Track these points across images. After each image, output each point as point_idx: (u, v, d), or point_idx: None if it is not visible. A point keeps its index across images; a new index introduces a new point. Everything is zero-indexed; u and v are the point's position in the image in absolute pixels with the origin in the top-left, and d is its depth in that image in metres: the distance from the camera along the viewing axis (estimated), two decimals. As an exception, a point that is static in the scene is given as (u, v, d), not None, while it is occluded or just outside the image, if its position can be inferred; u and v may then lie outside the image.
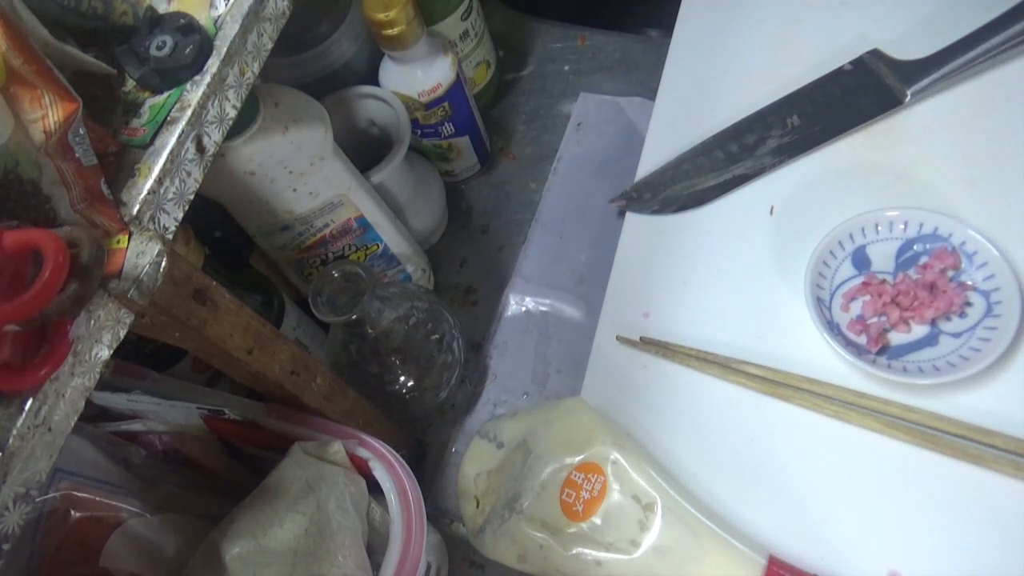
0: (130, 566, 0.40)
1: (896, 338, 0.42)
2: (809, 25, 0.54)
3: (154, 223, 0.30)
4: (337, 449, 0.42)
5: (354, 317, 0.47)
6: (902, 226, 0.43)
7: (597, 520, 0.40)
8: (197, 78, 0.32)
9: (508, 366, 0.60)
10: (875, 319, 0.42)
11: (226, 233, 0.54)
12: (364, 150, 0.57)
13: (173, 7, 0.34)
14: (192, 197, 0.32)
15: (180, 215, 0.32)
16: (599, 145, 0.67)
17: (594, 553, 0.39)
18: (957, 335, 0.40)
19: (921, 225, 0.43)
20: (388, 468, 0.42)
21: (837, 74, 0.50)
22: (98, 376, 0.28)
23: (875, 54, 0.49)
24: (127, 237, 0.29)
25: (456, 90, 0.59)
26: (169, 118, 0.31)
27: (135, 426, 0.45)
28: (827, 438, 0.41)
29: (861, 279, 0.43)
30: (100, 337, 0.28)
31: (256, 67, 0.35)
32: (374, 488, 0.42)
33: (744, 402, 0.43)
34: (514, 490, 0.43)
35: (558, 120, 0.70)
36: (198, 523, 0.43)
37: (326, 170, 0.48)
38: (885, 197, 0.45)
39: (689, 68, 0.56)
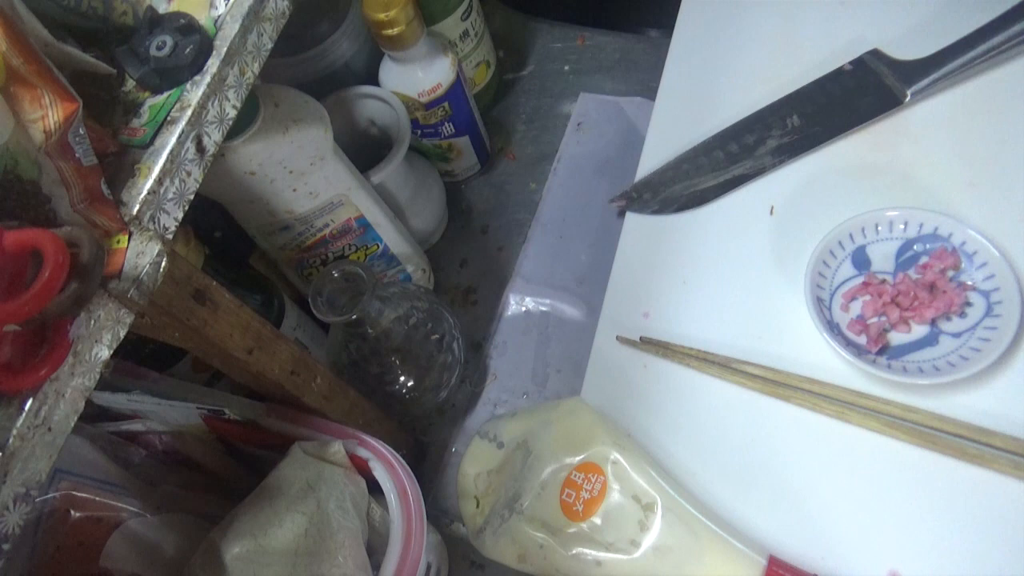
0: (130, 566, 0.40)
1: (896, 338, 0.42)
2: (809, 25, 0.54)
3: (154, 223, 0.30)
4: (337, 449, 0.42)
5: (354, 317, 0.47)
6: (902, 226, 0.43)
7: (597, 520, 0.40)
8: (197, 78, 0.32)
9: (508, 366, 0.60)
10: (875, 319, 0.42)
11: (226, 233, 0.54)
12: (364, 150, 0.57)
13: (173, 7, 0.34)
14: (192, 197, 0.32)
15: (180, 215, 0.32)
16: (599, 145, 0.67)
17: (594, 553, 0.39)
18: (957, 335, 0.40)
19: (921, 225, 0.43)
20: (388, 468, 0.42)
21: (837, 74, 0.50)
22: (98, 376, 0.28)
23: (875, 54, 0.49)
24: (127, 237, 0.29)
25: (456, 90, 0.59)
26: (169, 118, 0.31)
27: (135, 426, 0.45)
28: (827, 438, 0.41)
29: (861, 279, 0.43)
30: (100, 337, 0.28)
31: (256, 67, 0.35)
32: (374, 488, 0.43)
33: (744, 402, 0.43)
34: (514, 490, 0.43)
35: (558, 120, 0.70)
36: (198, 523, 0.43)
37: (326, 170, 0.48)
38: (885, 197, 0.45)
39: (689, 68, 0.56)
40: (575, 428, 0.43)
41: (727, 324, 0.46)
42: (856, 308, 0.43)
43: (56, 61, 0.27)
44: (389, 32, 0.53)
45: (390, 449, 0.44)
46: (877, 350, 0.41)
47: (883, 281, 0.43)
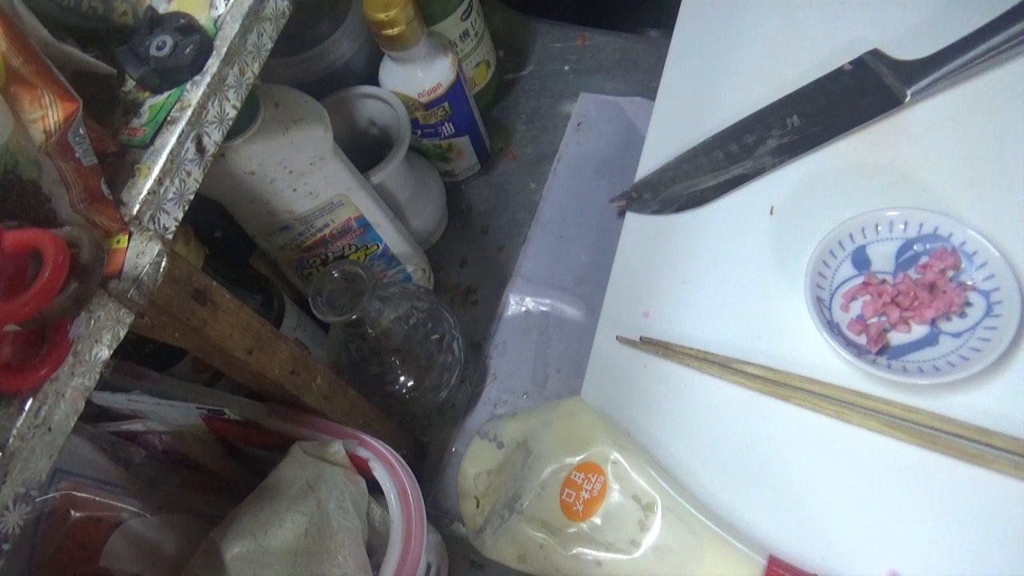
0: (130, 566, 0.40)
1: (896, 338, 0.42)
2: (809, 25, 0.54)
3: (154, 223, 0.30)
4: (337, 449, 0.42)
5: (354, 317, 0.47)
6: (902, 226, 0.43)
7: (597, 520, 0.40)
8: (197, 78, 0.32)
9: (508, 366, 0.60)
10: (875, 319, 0.42)
11: (226, 233, 0.54)
12: (364, 150, 0.57)
13: (173, 7, 0.34)
14: (192, 197, 0.32)
15: (180, 215, 0.32)
16: (599, 145, 0.67)
17: (594, 553, 0.39)
18: (957, 335, 0.40)
19: (921, 225, 0.43)
20: (388, 468, 0.42)
21: (837, 74, 0.50)
22: (98, 376, 0.28)
23: (875, 54, 0.49)
24: (127, 237, 0.29)
25: (456, 90, 0.59)
26: (169, 118, 0.31)
27: (135, 426, 0.45)
28: (827, 438, 0.41)
29: (861, 279, 0.43)
30: (100, 337, 0.28)
31: (256, 67, 0.35)
32: (374, 488, 0.42)
33: (744, 402, 0.43)
34: (514, 490, 0.43)
35: (558, 120, 0.70)
36: (198, 523, 0.43)
37: (326, 170, 0.48)
38: (885, 197, 0.45)
39: (689, 68, 0.56)
40: (575, 428, 0.43)
41: (727, 324, 0.46)
42: (856, 308, 0.43)
43: (56, 61, 0.27)
44: (389, 32, 0.53)
45: (390, 449, 0.44)
46: (877, 350, 0.41)
47: (883, 281, 0.43)
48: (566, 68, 0.73)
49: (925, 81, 0.47)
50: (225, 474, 0.48)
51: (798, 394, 0.42)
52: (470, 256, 0.66)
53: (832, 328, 0.42)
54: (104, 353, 0.28)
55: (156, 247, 0.29)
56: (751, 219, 0.48)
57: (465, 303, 0.64)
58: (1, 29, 0.24)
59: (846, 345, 0.41)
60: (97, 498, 0.40)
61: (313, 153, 0.47)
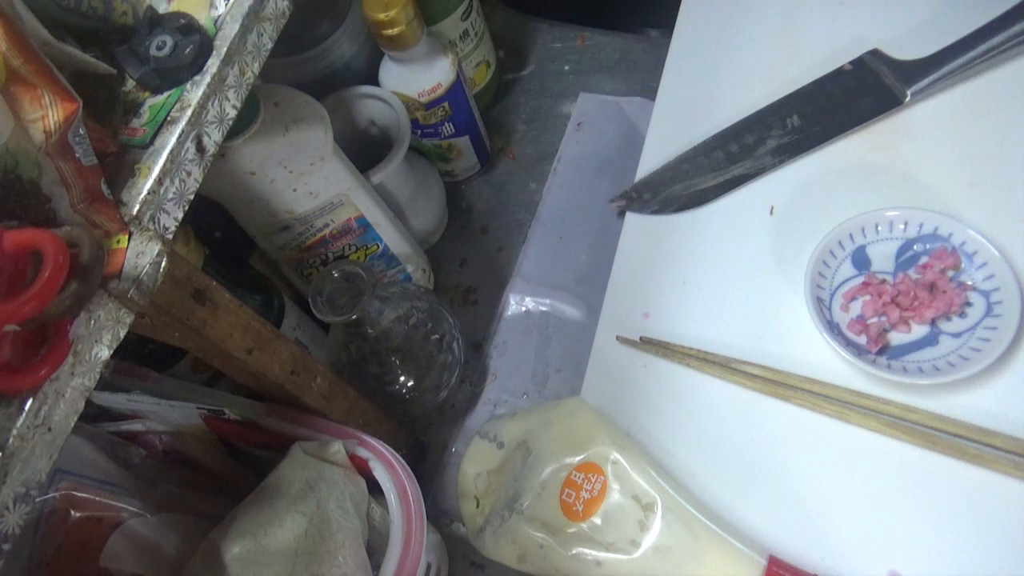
0: (130, 566, 0.40)
1: (896, 338, 0.42)
2: (809, 25, 0.54)
3: (154, 223, 0.30)
4: (337, 449, 0.42)
5: (354, 317, 0.47)
6: (902, 226, 0.43)
7: (597, 520, 0.40)
8: (197, 78, 0.32)
9: (508, 366, 0.60)
10: (875, 319, 0.42)
11: (226, 233, 0.54)
12: (364, 150, 0.57)
13: (173, 7, 0.34)
14: (192, 197, 0.32)
15: (180, 215, 0.32)
16: (599, 145, 0.67)
17: (594, 553, 0.39)
18: (957, 335, 0.40)
19: (921, 225, 0.43)
20: (388, 468, 0.42)
21: (837, 74, 0.50)
22: (98, 376, 0.28)
23: (875, 54, 0.49)
24: (127, 237, 0.29)
25: (456, 90, 0.59)
26: (169, 118, 0.31)
27: (135, 426, 0.45)
28: (827, 438, 0.41)
29: (861, 279, 0.43)
30: (100, 337, 0.28)
31: (256, 67, 0.35)
32: (374, 488, 0.43)
33: (744, 402, 0.43)
34: (514, 490, 0.43)
35: (558, 120, 0.70)
36: (198, 523, 0.43)
37: (326, 170, 0.48)
38: (885, 197, 0.45)
39: (689, 68, 0.56)
40: (575, 428, 0.43)
41: (727, 324, 0.46)
42: (856, 308, 0.43)
43: (56, 61, 0.27)
44: (389, 32, 0.53)
45: (390, 449, 0.44)
46: (877, 350, 0.41)
47: (883, 281, 0.43)
48: (566, 68, 0.73)
49: (925, 81, 0.47)
50: (225, 474, 0.48)
51: (798, 394, 0.42)
52: (470, 256, 0.66)
53: (832, 328, 0.42)
54: (104, 353, 0.28)
55: (156, 247, 0.29)
56: (751, 219, 0.48)
57: (465, 303, 0.64)
58: (1, 29, 0.24)
59: (846, 345, 0.41)
60: (97, 498, 0.40)
61: (313, 153, 0.47)
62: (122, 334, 0.29)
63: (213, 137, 0.33)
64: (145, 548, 0.41)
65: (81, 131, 0.27)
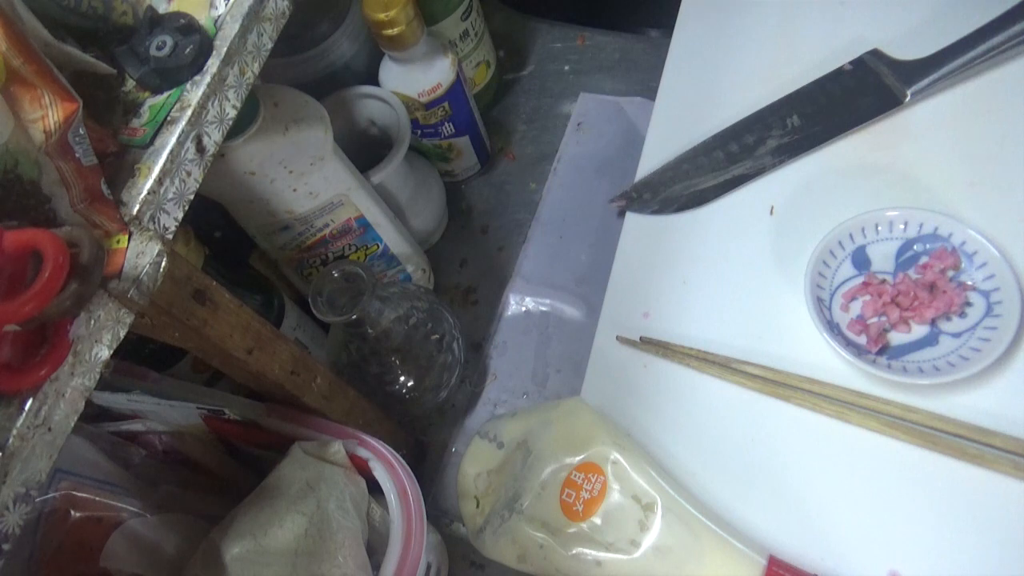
0: (130, 566, 0.40)
1: (896, 338, 0.42)
2: (809, 25, 0.54)
3: (154, 223, 0.30)
4: (337, 449, 0.42)
5: (354, 317, 0.47)
6: (902, 226, 0.43)
7: (597, 520, 0.40)
8: (197, 78, 0.32)
9: (508, 366, 0.60)
10: (875, 319, 0.42)
11: (226, 233, 0.54)
12: (364, 150, 0.57)
13: (173, 7, 0.34)
14: (192, 197, 0.32)
15: (180, 215, 0.32)
16: (599, 145, 0.67)
17: (594, 553, 0.39)
18: (957, 335, 0.40)
19: (921, 225, 0.43)
20: (388, 468, 0.42)
21: (837, 74, 0.50)
22: (98, 376, 0.28)
23: (875, 54, 0.49)
24: (127, 237, 0.29)
25: (456, 90, 0.59)
26: (169, 118, 0.31)
27: (135, 426, 0.45)
28: (827, 438, 0.41)
29: (861, 279, 0.43)
30: (100, 337, 0.28)
31: (256, 67, 0.35)
32: (374, 488, 0.43)
33: (744, 402, 0.43)
34: (514, 490, 0.43)
35: (558, 120, 0.70)
36: (198, 523, 0.43)
37: (326, 170, 0.48)
38: (885, 197, 0.45)
39: (689, 68, 0.56)
40: (575, 428, 0.43)
41: (727, 324, 0.46)
42: (856, 308, 0.43)
43: (56, 61, 0.27)
44: (389, 32, 0.53)
45: (390, 449, 0.44)
46: (877, 350, 0.41)
47: (883, 281, 0.43)
48: (566, 68, 0.73)
49: (925, 81, 0.47)
50: (225, 474, 0.48)
51: (798, 394, 0.42)
52: (470, 256, 0.66)
53: (832, 328, 0.42)
54: (104, 353, 0.28)
55: (156, 247, 0.29)
56: (751, 219, 0.48)
57: (465, 303, 0.64)
58: (1, 29, 0.24)
59: (846, 345, 0.41)
60: (97, 498, 0.40)
61: (313, 153, 0.47)
62: (122, 334, 0.29)
63: (213, 137, 0.33)
64: (145, 548, 0.41)
65: (81, 131, 0.27)
